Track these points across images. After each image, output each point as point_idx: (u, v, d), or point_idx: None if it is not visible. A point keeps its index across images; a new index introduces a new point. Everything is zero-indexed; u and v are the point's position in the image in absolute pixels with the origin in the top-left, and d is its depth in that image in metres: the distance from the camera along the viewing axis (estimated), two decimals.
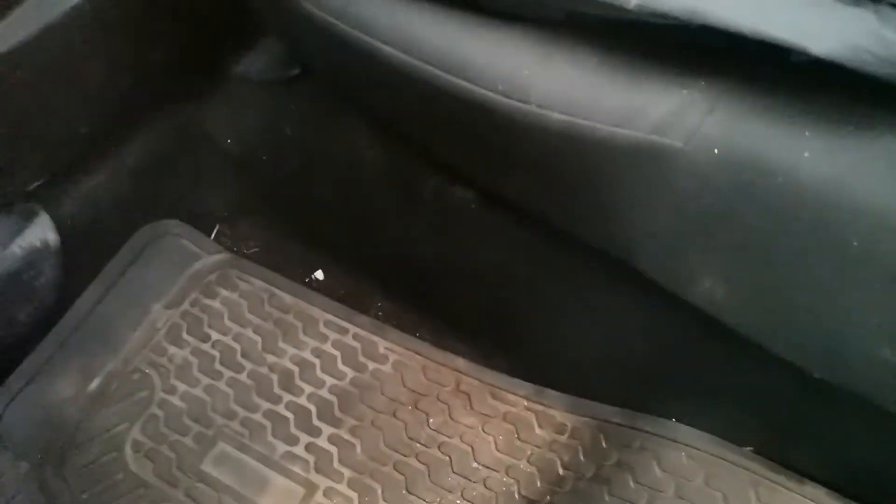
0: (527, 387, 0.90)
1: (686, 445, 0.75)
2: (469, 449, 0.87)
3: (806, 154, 0.50)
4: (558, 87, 0.56)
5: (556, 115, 0.56)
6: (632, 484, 0.74)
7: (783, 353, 0.57)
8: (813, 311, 0.53)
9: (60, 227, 0.92)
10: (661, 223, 0.57)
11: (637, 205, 0.57)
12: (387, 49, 0.60)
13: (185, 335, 0.98)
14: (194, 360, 0.96)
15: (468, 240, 0.87)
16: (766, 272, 0.54)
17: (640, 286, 0.66)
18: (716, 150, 0.52)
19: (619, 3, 0.52)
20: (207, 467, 0.87)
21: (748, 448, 0.73)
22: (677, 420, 0.77)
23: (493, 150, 0.64)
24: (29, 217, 0.90)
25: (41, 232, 0.90)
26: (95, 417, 0.90)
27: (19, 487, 0.85)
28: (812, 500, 0.68)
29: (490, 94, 0.58)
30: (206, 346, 0.97)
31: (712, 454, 0.74)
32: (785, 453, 0.70)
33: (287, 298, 1.01)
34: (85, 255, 0.97)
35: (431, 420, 0.89)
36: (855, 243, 0.49)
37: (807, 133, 0.50)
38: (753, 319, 0.57)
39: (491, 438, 0.87)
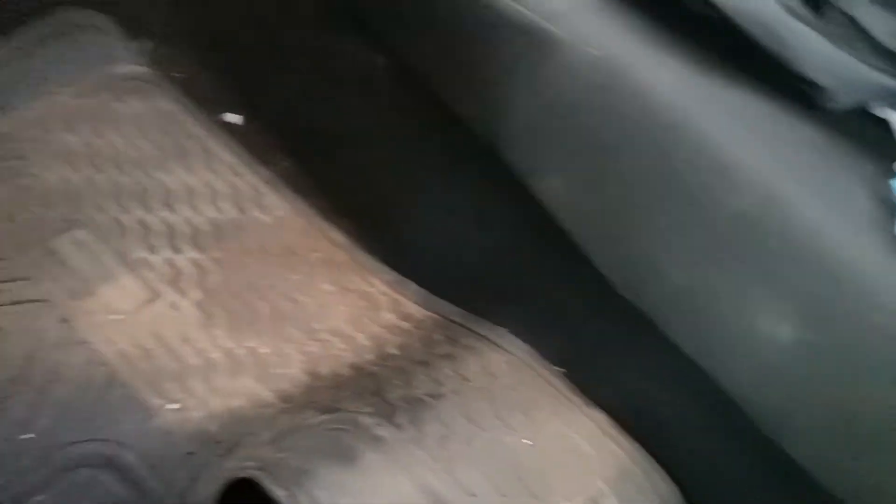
0: (392, 275, 0.93)
1: (508, 353, 0.80)
2: (318, 311, 0.89)
3: (669, 76, 0.54)
4: None
5: None
6: (448, 371, 0.79)
7: (597, 263, 0.61)
8: (628, 224, 0.58)
9: None
10: (528, 107, 0.60)
11: (511, 84, 0.60)
12: None
13: (80, 124, 0.97)
14: (82, 150, 0.95)
15: (365, 103, 0.87)
16: (602, 178, 0.58)
17: (500, 177, 0.68)
18: (595, 52, 0.55)
19: None
20: (63, 246, 0.87)
21: (562, 370, 0.78)
22: (511, 331, 0.82)
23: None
24: None
25: None
26: None
27: None
28: (593, 422, 0.73)
29: None
30: (98, 142, 0.96)
31: (528, 365, 0.79)
32: (588, 377, 0.75)
33: (195, 129, 1.01)
34: None
35: (294, 276, 0.91)
36: (678, 167, 0.53)
37: (675, 58, 0.54)
38: (580, 223, 0.61)
39: (342, 309, 0.90)
